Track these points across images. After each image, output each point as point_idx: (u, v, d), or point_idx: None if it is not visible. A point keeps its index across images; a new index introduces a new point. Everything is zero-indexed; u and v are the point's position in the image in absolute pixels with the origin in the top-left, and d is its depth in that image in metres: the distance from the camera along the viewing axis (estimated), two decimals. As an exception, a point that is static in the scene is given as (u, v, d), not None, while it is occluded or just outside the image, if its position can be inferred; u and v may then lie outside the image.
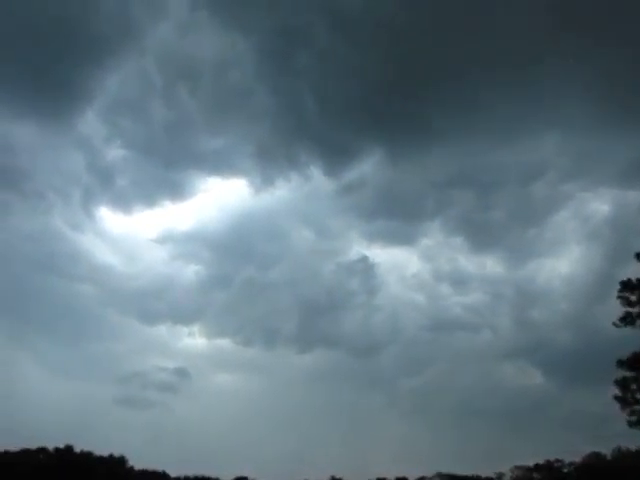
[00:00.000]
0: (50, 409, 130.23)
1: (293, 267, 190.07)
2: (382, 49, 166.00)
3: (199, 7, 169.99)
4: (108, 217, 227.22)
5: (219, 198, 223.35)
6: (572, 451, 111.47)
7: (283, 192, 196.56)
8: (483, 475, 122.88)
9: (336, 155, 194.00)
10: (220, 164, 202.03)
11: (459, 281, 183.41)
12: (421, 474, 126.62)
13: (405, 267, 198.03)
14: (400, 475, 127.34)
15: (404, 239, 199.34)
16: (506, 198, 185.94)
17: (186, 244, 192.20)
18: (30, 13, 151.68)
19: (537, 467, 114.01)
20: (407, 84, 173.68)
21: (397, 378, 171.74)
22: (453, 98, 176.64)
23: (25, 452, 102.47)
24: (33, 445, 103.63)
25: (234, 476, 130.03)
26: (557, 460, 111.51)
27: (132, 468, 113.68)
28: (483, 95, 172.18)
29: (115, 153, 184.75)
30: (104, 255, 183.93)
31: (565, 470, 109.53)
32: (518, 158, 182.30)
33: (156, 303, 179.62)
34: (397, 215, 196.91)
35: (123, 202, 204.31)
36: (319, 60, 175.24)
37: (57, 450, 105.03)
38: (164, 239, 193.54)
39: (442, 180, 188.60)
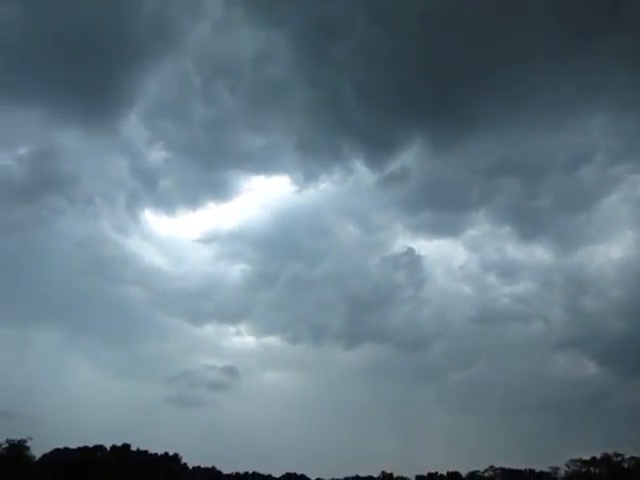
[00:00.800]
0: (104, 408, 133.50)
1: (339, 262, 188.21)
2: (422, 37, 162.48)
3: (234, 4, 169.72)
4: (153, 220, 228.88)
5: (262, 196, 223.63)
6: (633, 445, 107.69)
7: (326, 186, 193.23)
8: (537, 469, 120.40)
9: (378, 146, 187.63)
10: (262, 162, 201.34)
11: (507, 271, 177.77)
12: (473, 469, 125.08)
13: (452, 258, 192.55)
14: (452, 470, 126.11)
15: (450, 230, 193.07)
16: (554, 184, 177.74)
17: (231, 243, 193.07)
18: (71, 21, 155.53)
19: (594, 461, 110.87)
20: (447, 72, 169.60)
21: (446, 371, 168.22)
22: (495, 84, 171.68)
23: (83, 450, 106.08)
24: (90, 443, 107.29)
25: (284, 472, 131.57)
26: (616, 454, 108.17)
27: (186, 465, 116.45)
28: (526, 80, 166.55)
29: (158, 155, 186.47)
30: (151, 257, 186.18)
31: (625, 465, 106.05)
32: (565, 142, 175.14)
33: (203, 303, 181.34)
34: (442, 205, 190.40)
35: (167, 204, 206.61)
36: (357, 51, 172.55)
37: (114, 448, 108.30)
38: (209, 239, 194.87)
39: (486, 168, 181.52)
